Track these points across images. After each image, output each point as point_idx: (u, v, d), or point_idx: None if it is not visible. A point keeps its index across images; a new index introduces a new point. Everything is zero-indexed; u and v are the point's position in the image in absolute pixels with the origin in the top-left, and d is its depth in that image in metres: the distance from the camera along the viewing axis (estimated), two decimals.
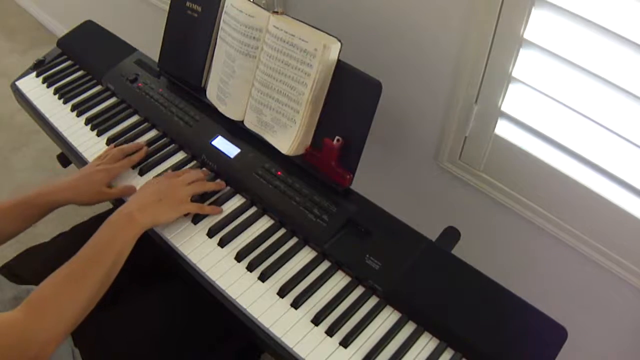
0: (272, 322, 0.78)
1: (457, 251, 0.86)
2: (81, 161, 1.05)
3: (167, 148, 1.05)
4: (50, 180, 0.94)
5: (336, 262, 0.85)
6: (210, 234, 0.89)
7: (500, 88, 0.92)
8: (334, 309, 0.80)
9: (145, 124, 1.10)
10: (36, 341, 0.68)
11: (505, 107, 0.94)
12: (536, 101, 0.89)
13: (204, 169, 1.00)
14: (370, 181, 1.06)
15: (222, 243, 0.88)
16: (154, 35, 1.18)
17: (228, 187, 0.97)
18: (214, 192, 0.96)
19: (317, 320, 0.78)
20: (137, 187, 0.97)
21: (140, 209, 0.83)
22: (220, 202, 0.94)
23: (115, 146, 1.03)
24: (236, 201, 0.95)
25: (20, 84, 1.22)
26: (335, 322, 0.78)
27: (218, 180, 0.97)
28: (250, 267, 0.85)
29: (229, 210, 0.93)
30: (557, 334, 0.75)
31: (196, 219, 0.91)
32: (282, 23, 0.90)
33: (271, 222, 0.91)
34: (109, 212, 1.01)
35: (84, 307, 0.74)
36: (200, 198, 0.94)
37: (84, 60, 1.24)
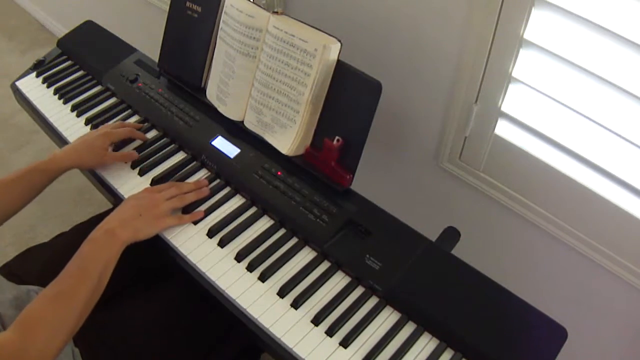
0: (272, 322, 0.78)
1: (457, 251, 0.86)
2: None
3: (167, 148, 1.05)
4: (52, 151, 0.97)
5: (336, 262, 0.85)
6: (210, 234, 0.89)
7: (500, 88, 0.92)
8: (334, 309, 0.80)
9: (145, 124, 1.10)
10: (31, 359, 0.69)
11: (505, 107, 0.94)
12: (536, 101, 0.89)
13: (202, 176, 1.00)
14: (370, 181, 1.06)
15: (222, 243, 0.88)
16: (154, 35, 1.18)
17: (224, 191, 0.97)
18: (207, 197, 0.95)
19: (317, 321, 0.78)
20: (136, 188, 0.97)
21: (121, 224, 0.83)
22: (220, 203, 0.94)
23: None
24: (236, 201, 0.95)
25: (20, 84, 1.22)
26: (335, 322, 0.78)
27: (204, 188, 0.95)
28: (250, 268, 0.85)
29: (229, 211, 0.93)
30: (557, 334, 0.75)
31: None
32: (282, 23, 0.90)
33: (271, 222, 0.91)
34: (109, 212, 1.01)
35: (75, 322, 0.75)
36: (194, 204, 0.93)
37: (84, 60, 1.24)
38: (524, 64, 0.87)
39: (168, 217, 0.89)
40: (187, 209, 0.92)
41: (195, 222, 0.91)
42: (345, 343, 0.76)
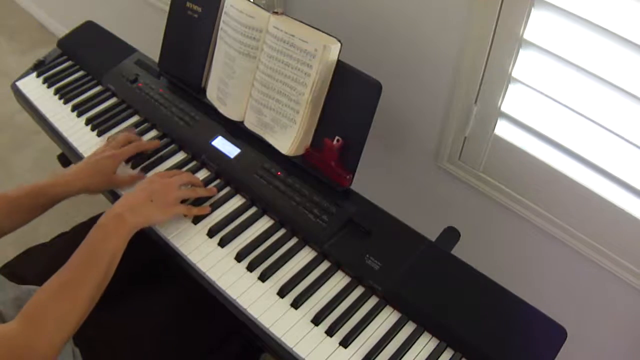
0: (272, 322, 0.79)
1: (457, 251, 0.86)
2: None
3: (167, 148, 1.05)
4: (57, 172, 0.94)
5: (336, 262, 0.85)
6: (211, 234, 0.89)
7: (500, 88, 0.92)
8: (334, 309, 0.80)
9: (146, 124, 1.10)
10: (37, 351, 0.68)
11: (505, 107, 0.94)
12: (536, 101, 0.89)
13: (202, 177, 1.01)
14: (370, 181, 1.07)
15: (222, 243, 0.88)
16: (154, 36, 1.18)
17: (225, 191, 0.97)
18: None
19: (317, 320, 0.79)
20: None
21: (130, 209, 0.82)
22: (220, 203, 0.94)
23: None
24: (236, 201, 0.95)
25: (20, 84, 1.22)
26: (335, 322, 0.78)
27: (210, 187, 0.96)
28: (250, 267, 0.85)
29: (229, 211, 0.93)
30: (557, 334, 0.75)
31: (196, 219, 0.91)
32: (282, 23, 0.91)
33: (271, 222, 0.92)
34: None
35: (82, 312, 0.73)
36: (196, 200, 0.94)
37: (84, 60, 1.24)
38: (524, 64, 0.87)
39: (178, 205, 0.88)
40: (193, 204, 0.93)
41: (196, 222, 0.91)
42: (345, 343, 0.76)
